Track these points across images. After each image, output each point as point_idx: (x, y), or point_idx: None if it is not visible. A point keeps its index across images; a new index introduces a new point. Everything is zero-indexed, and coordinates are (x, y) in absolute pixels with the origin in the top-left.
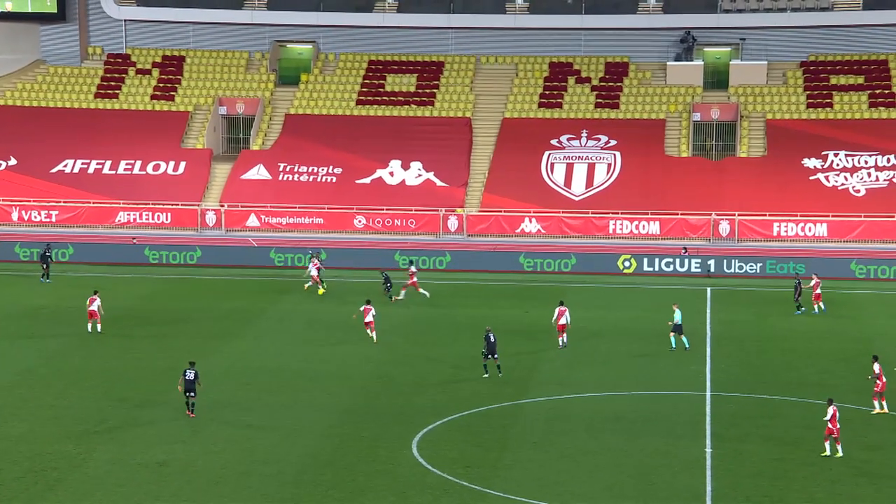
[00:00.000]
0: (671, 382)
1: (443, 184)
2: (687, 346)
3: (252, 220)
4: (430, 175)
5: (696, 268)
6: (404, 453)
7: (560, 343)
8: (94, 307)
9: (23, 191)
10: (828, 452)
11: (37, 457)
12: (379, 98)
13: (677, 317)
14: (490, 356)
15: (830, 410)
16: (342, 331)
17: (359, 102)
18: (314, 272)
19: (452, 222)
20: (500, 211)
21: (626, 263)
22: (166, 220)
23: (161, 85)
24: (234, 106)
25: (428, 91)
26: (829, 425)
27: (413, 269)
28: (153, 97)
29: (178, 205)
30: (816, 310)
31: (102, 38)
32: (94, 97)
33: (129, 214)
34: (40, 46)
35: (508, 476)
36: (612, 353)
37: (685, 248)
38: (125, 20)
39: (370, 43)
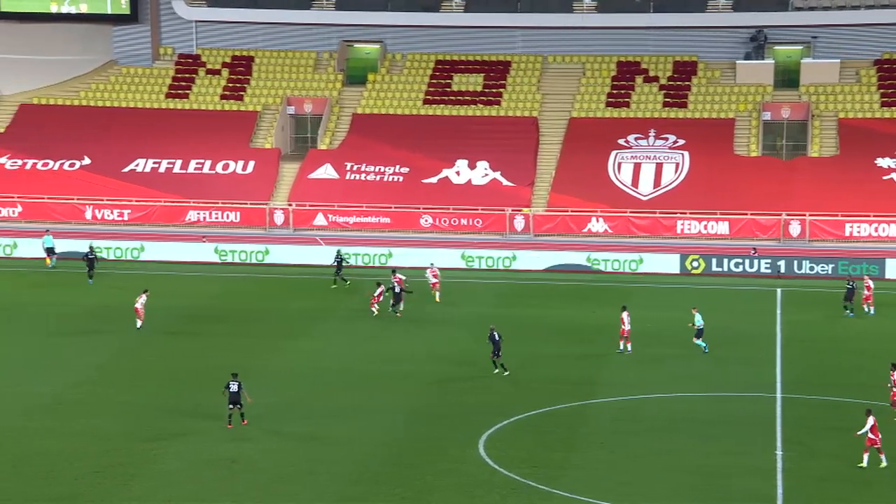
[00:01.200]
0: (741, 384)
1: (509, 183)
2: (706, 350)
3: (320, 220)
4: (497, 175)
5: (765, 268)
6: (471, 452)
7: (621, 348)
8: (139, 305)
9: (96, 190)
10: (864, 464)
11: (111, 452)
12: (445, 98)
13: (698, 320)
14: (496, 354)
15: (870, 421)
16: (408, 330)
17: (425, 102)
18: (432, 279)
19: (519, 222)
20: (567, 211)
21: (695, 264)
22: (235, 219)
23: (230, 85)
24: (303, 105)
25: (494, 91)
26: (871, 435)
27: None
28: (223, 97)
29: (246, 204)
30: (867, 310)
31: (173, 39)
32: (165, 97)
33: (198, 213)
34: (113, 47)
35: (575, 476)
36: (680, 354)
37: (755, 249)
38: (195, 21)
39: (437, 42)
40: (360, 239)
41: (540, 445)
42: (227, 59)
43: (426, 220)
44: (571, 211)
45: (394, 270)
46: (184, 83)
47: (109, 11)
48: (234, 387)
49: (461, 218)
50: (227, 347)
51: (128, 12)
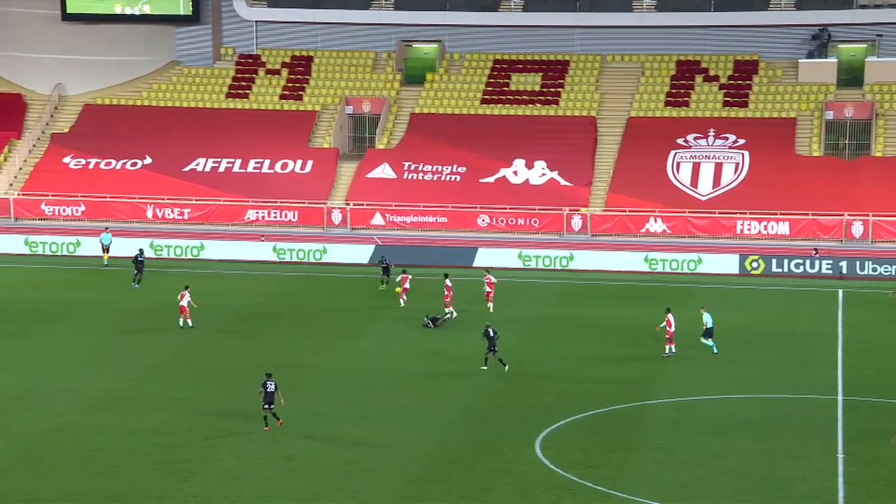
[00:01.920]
0: (801, 386)
1: (567, 183)
2: (715, 350)
3: (377, 219)
4: (555, 174)
5: (827, 269)
6: (527, 452)
7: (667, 352)
8: (185, 302)
9: (157, 189)
10: None
11: (169, 450)
12: (503, 97)
13: (707, 320)
14: (492, 350)
15: None
16: (464, 330)
17: (483, 102)
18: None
19: (576, 222)
20: (625, 210)
21: (754, 264)
22: (293, 217)
23: (290, 85)
24: (361, 105)
25: (553, 90)
26: None
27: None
28: (282, 97)
29: (304, 203)
30: None
31: (234, 39)
32: (226, 97)
33: (257, 212)
34: (175, 48)
35: (633, 477)
36: (739, 355)
37: (816, 250)
38: (256, 21)
39: (495, 42)
40: (416, 239)
41: (597, 446)
42: (287, 59)
43: (483, 220)
44: (629, 211)
45: (488, 270)
46: (244, 83)
47: (172, 12)
48: (270, 386)
49: (518, 218)
50: (283, 346)
51: (190, 13)
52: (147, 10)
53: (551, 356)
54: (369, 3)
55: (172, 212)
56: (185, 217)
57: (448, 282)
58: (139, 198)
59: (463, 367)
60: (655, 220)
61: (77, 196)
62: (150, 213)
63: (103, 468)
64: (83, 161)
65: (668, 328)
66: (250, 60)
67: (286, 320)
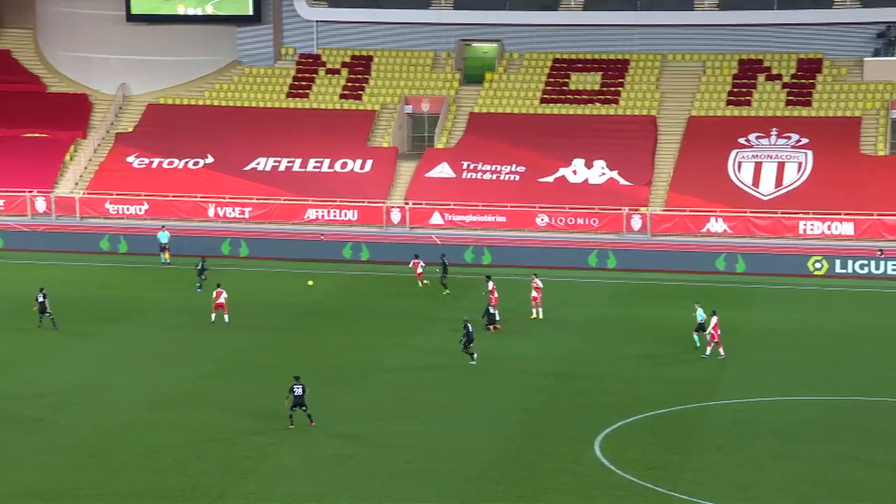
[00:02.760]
0: (864, 387)
1: (626, 182)
2: (698, 344)
3: (436, 218)
4: (614, 174)
5: (893, 270)
6: (587, 453)
7: (708, 353)
8: (222, 300)
9: (218, 188)
10: None
11: (232, 446)
12: (563, 96)
13: (699, 316)
14: (467, 346)
15: None
16: (522, 329)
17: (543, 101)
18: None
19: (636, 221)
20: (686, 210)
21: (818, 265)
22: (353, 217)
23: (349, 84)
24: (420, 104)
25: (612, 89)
26: None
27: (417, 260)
28: (342, 96)
29: (364, 202)
30: None
31: (295, 39)
32: (286, 96)
33: (317, 211)
34: (237, 48)
35: (693, 479)
36: (802, 356)
37: (881, 250)
38: (316, 21)
39: (555, 41)
40: (475, 238)
41: (657, 447)
42: (347, 59)
43: (542, 220)
44: (690, 211)
45: (535, 274)
46: (304, 83)
47: (234, 13)
48: (298, 390)
49: (577, 217)
50: (342, 345)
51: (251, 13)
52: (209, 10)
53: (609, 357)
54: (429, 2)
55: (233, 211)
56: (246, 216)
57: (491, 284)
58: (201, 197)
59: (521, 367)
60: (716, 220)
61: (140, 195)
62: (211, 212)
63: (168, 464)
64: (146, 160)
65: (713, 331)
66: (310, 60)
67: (345, 319)
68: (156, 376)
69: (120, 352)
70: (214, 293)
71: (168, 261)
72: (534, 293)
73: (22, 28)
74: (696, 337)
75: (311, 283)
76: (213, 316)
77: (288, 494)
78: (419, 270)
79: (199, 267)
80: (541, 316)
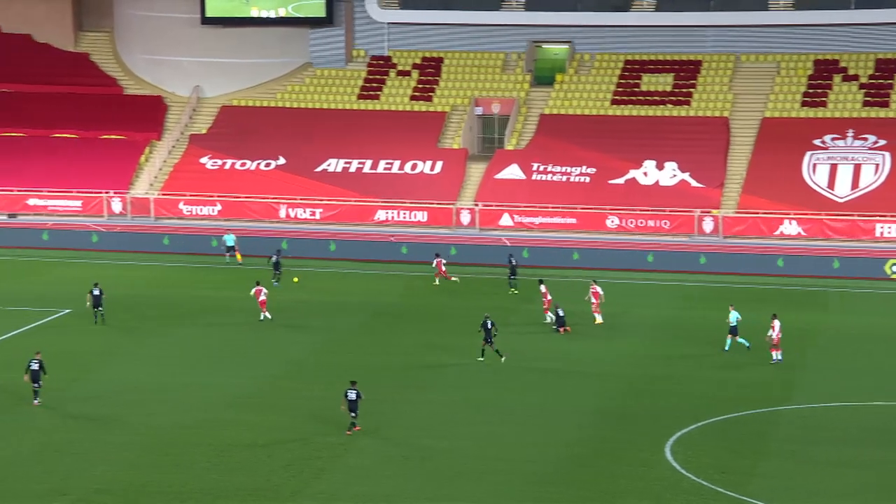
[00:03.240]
0: None
1: (698, 184)
2: (745, 344)
3: (505, 220)
4: (686, 175)
5: None
6: (658, 456)
7: (775, 359)
8: (263, 297)
9: (290, 189)
10: None
11: (303, 446)
12: (634, 98)
13: (733, 318)
14: (488, 341)
15: None
16: (593, 331)
17: (614, 102)
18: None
19: (708, 223)
20: (758, 212)
21: (895, 268)
22: (422, 218)
23: (420, 86)
24: (490, 106)
25: (685, 90)
26: None
27: (440, 259)
28: (412, 98)
29: (433, 203)
30: None
31: (366, 41)
32: (357, 98)
33: (387, 213)
34: (309, 50)
35: (765, 485)
36: (878, 361)
37: None
38: (388, 23)
39: (626, 42)
40: (545, 240)
41: (728, 451)
42: (418, 61)
43: (612, 221)
44: (763, 213)
45: (595, 280)
46: (375, 84)
47: (306, 15)
48: (352, 395)
49: (648, 219)
50: (413, 346)
51: (323, 15)
52: (282, 12)
53: (681, 359)
54: (500, 4)
55: (304, 211)
56: (317, 217)
57: (543, 287)
58: (272, 198)
59: (591, 369)
60: (790, 223)
61: (213, 196)
62: (283, 213)
63: (239, 464)
64: (219, 161)
65: (773, 334)
66: (381, 62)
67: (416, 320)
68: (228, 376)
69: (194, 351)
70: (253, 291)
71: (229, 260)
72: (593, 299)
73: (100, 31)
74: (728, 340)
75: (296, 279)
76: (262, 314)
77: (357, 495)
78: (443, 269)
79: (274, 261)
80: (599, 321)
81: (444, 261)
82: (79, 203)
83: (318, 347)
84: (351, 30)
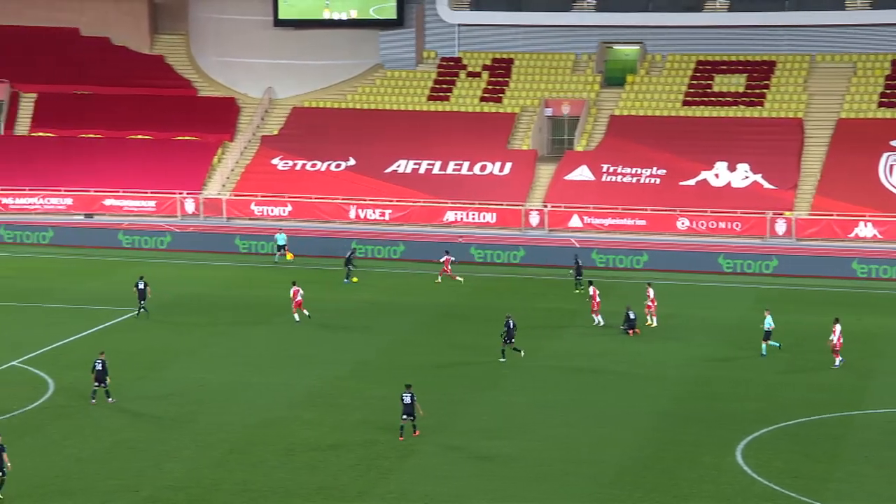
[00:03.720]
0: None
1: (771, 186)
2: (777, 345)
3: (574, 221)
4: (758, 177)
5: None
6: (728, 460)
7: (837, 363)
8: (300, 297)
9: (359, 190)
10: None
11: (371, 446)
12: (706, 99)
13: (767, 323)
14: (508, 341)
15: None
16: (662, 333)
17: (685, 103)
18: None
19: (780, 226)
20: (832, 214)
21: None
22: (491, 219)
23: (490, 87)
24: (560, 107)
25: (758, 91)
26: None
27: (448, 257)
28: (482, 99)
29: (502, 205)
30: None
31: (437, 43)
32: (427, 99)
33: (456, 214)
34: (379, 51)
35: (840, 490)
36: None
37: None
38: (458, 24)
39: (699, 43)
40: (614, 241)
41: (801, 455)
42: (488, 62)
43: (683, 223)
44: (837, 215)
45: (649, 283)
46: (445, 86)
47: (377, 17)
48: (407, 398)
49: (719, 221)
50: (480, 346)
51: (394, 17)
52: (354, 14)
53: (751, 362)
54: (571, 4)
55: (374, 212)
56: (386, 218)
57: (592, 289)
58: (342, 198)
59: (660, 371)
60: (865, 225)
61: (284, 197)
62: (352, 214)
63: (307, 463)
64: (290, 162)
65: (835, 339)
66: (452, 63)
67: (482, 321)
68: (296, 376)
69: (262, 351)
70: (291, 292)
71: (291, 260)
72: (648, 302)
73: (175, 34)
74: (763, 346)
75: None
76: (296, 316)
77: (426, 495)
78: (448, 268)
79: (347, 256)
80: (654, 324)
81: (452, 258)
82: (153, 203)
83: (383, 348)
84: (421, 31)
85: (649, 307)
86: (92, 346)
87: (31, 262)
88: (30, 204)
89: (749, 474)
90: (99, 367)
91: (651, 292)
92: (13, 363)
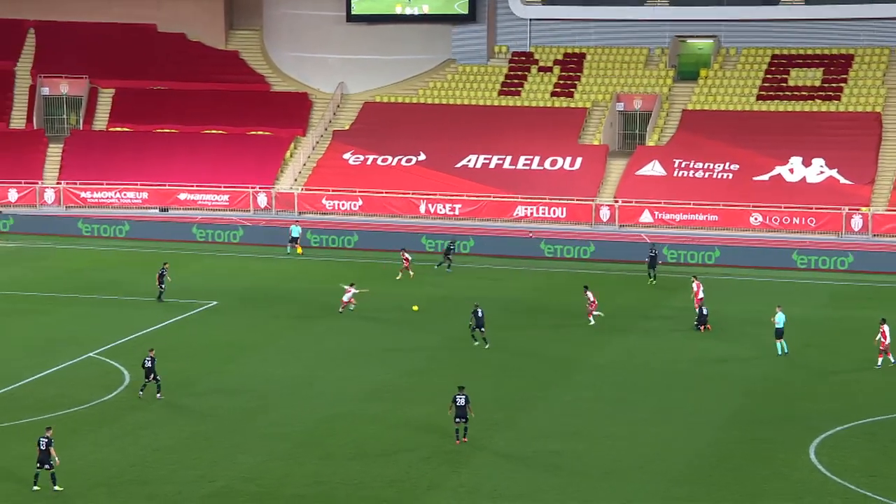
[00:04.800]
0: None
1: (847, 181)
2: (786, 350)
3: (645, 216)
4: (833, 172)
5: None
6: (801, 458)
7: (880, 363)
8: (348, 297)
9: (430, 184)
10: None
11: (441, 439)
12: (781, 93)
13: (779, 320)
14: (478, 328)
15: None
16: (735, 329)
17: (759, 98)
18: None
19: (856, 221)
20: None
21: None
22: (561, 214)
23: (561, 82)
24: (632, 102)
25: (834, 85)
26: None
27: (407, 255)
28: (553, 94)
29: (573, 200)
30: None
31: (508, 38)
32: (498, 94)
33: (526, 209)
34: (451, 46)
35: None
36: None
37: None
38: (530, 19)
39: (774, 37)
40: (686, 237)
41: (878, 454)
42: (559, 57)
43: (756, 219)
44: None
45: (695, 276)
46: (516, 80)
47: (449, 12)
48: (460, 400)
49: (794, 216)
50: (549, 341)
51: (466, 12)
52: (426, 10)
53: (826, 359)
54: None
55: (444, 207)
56: (456, 212)
57: (590, 294)
58: (413, 193)
59: (731, 368)
60: None
61: (355, 191)
62: (422, 209)
63: (378, 456)
64: (361, 157)
65: (882, 339)
66: (523, 58)
67: (552, 316)
68: (369, 369)
69: (333, 344)
70: (345, 293)
71: (301, 254)
72: (700, 294)
73: (250, 30)
74: (777, 344)
75: (415, 307)
76: (342, 309)
77: (495, 489)
78: (407, 263)
79: (447, 247)
80: (704, 313)
81: (409, 257)
82: (226, 198)
83: (454, 343)
84: (493, 26)
85: (698, 300)
86: (166, 338)
87: (109, 255)
88: (107, 198)
89: (823, 472)
90: (148, 364)
91: (696, 285)
92: (90, 354)
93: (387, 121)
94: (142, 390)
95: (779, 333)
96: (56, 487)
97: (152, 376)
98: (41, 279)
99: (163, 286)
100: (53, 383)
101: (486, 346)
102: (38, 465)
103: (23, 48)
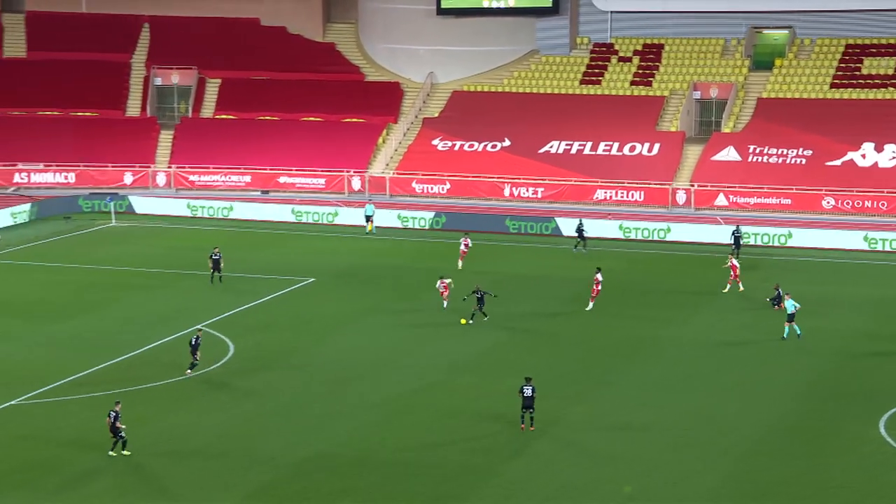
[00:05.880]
0: None
1: None
2: (798, 332)
3: (720, 200)
4: None
5: None
6: (872, 432)
7: None
8: (442, 287)
9: (514, 169)
10: None
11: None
12: (854, 81)
13: (789, 306)
14: (479, 308)
15: None
16: (806, 308)
17: (833, 86)
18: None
19: None
20: None
21: None
22: (639, 198)
23: (640, 71)
24: (708, 90)
25: None
26: None
27: (468, 242)
28: (632, 83)
29: (650, 184)
30: None
31: (590, 29)
32: (580, 83)
33: (605, 192)
34: (536, 38)
35: None
36: None
37: None
38: (611, 11)
39: (848, 27)
40: (759, 219)
41: None
42: (639, 47)
43: (828, 202)
44: None
45: (731, 254)
46: (597, 70)
47: (534, 5)
48: (527, 391)
49: (865, 200)
50: (624, 319)
51: (549, 5)
52: (511, 2)
53: (893, 338)
54: None
55: (527, 191)
56: (539, 196)
57: (599, 275)
58: (498, 177)
59: (804, 345)
60: None
61: (444, 175)
62: (507, 192)
63: (460, 426)
64: (450, 143)
65: None
66: (604, 49)
67: (629, 295)
68: (458, 343)
69: (422, 320)
70: (440, 282)
71: (372, 231)
72: (732, 272)
73: (346, 23)
74: (786, 328)
75: (463, 321)
76: (445, 304)
77: (569, 458)
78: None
79: (578, 228)
80: (741, 289)
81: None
82: (322, 181)
83: (539, 319)
84: (575, 18)
85: (734, 275)
86: (267, 312)
87: (214, 235)
88: (213, 181)
89: (893, 446)
90: (193, 342)
91: (733, 261)
92: (198, 326)
93: (474, 109)
94: (190, 368)
95: (790, 318)
96: (124, 452)
97: (119, 434)
98: (152, 256)
99: (218, 271)
100: (170, 351)
101: (486, 319)
102: (112, 434)
103: (138, 41)
